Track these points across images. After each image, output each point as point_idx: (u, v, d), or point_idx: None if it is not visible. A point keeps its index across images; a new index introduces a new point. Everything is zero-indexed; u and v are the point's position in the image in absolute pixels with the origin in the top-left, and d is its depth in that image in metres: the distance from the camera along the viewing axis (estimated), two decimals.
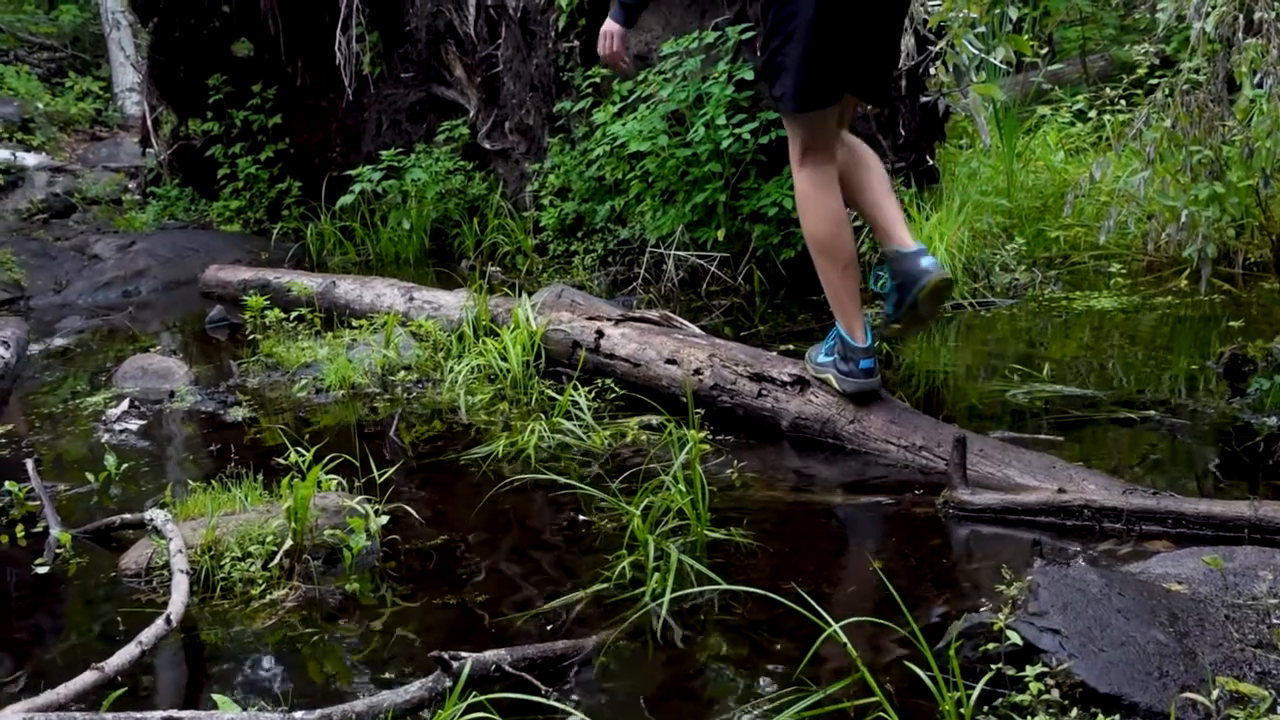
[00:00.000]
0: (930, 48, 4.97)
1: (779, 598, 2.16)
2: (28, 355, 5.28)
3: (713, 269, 5.74)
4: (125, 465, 3.46)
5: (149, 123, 9.62)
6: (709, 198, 5.69)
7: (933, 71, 4.94)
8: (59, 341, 5.89)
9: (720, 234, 5.72)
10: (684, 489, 2.68)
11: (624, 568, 2.51)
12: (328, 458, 2.96)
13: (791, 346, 4.47)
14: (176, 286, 7.57)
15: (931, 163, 5.65)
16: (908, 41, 5.03)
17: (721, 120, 5.49)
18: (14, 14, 15.12)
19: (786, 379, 3.43)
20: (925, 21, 4.89)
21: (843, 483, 3.12)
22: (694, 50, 5.76)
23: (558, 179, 6.89)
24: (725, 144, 5.49)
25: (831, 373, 3.38)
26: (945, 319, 4.88)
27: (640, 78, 6.09)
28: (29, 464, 3.33)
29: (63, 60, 14.27)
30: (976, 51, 4.49)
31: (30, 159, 11.01)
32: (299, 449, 2.85)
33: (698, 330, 3.99)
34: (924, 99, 5.37)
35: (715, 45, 5.76)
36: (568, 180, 6.82)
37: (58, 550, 2.94)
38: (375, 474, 3.00)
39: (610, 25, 3.55)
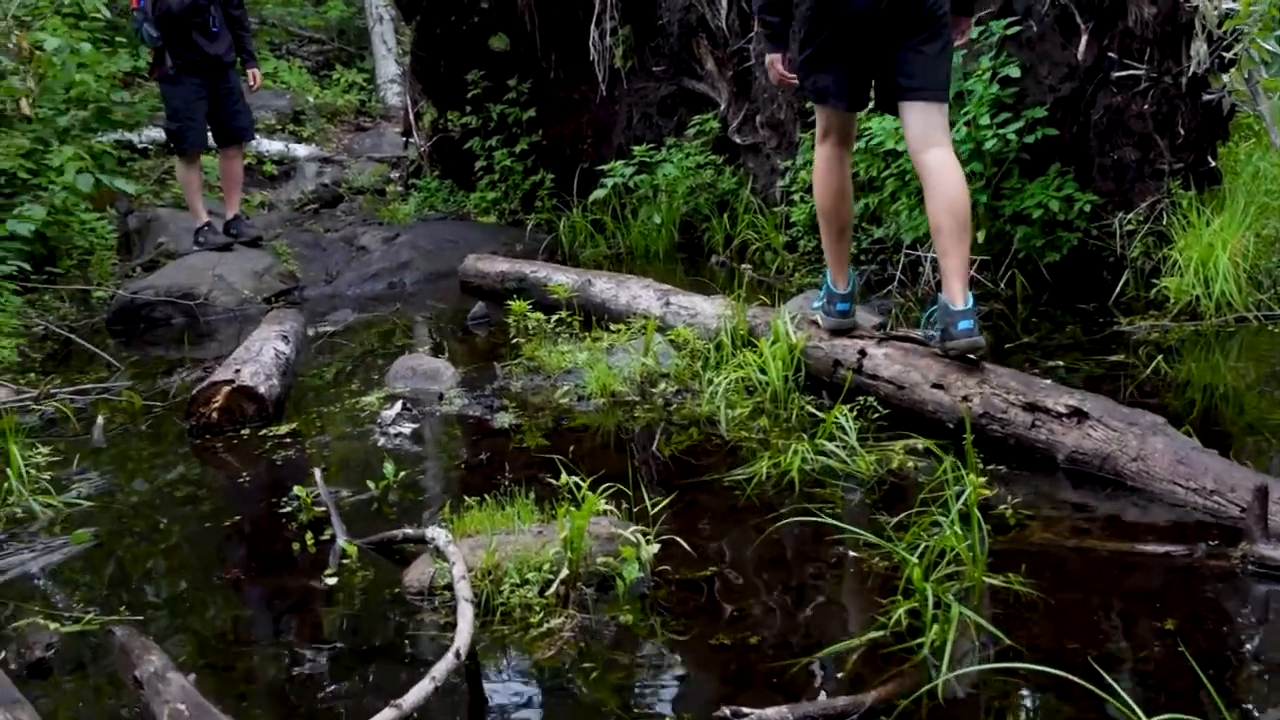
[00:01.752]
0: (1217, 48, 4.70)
1: (1073, 677, 2.06)
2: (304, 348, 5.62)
3: (972, 273, 5.56)
4: (402, 473, 3.61)
5: (410, 116, 10.01)
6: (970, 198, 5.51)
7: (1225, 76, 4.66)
8: (331, 332, 6.19)
9: (980, 235, 5.54)
10: (960, 531, 2.61)
11: (900, 615, 2.46)
12: (596, 479, 3.01)
13: (1061, 363, 4.31)
14: (437, 278, 7.86)
15: (1213, 164, 5.31)
16: (1198, 47, 4.74)
17: (985, 120, 5.31)
18: (284, 7, 15.94)
19: (1062, 410, 3.29)
20: (1220, 21, 4.59)
21: (1126, 527, 2.97)
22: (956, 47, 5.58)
23: (809, 175, 6.80)
24: (988, 144, 5.31)
25: (820, 314, 4.29)
26: (1228, 333, 4.61)
27: None
28: (316, 473, 3.51)
29: (329, 53, 14.98)
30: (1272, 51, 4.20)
31: (301, 150, 11.62)
32: (574, 477, 2.90)
33: None
34: (1207, 96, 5.05)
35: (977, 39, 5.56)
36: None
37: (343, 561, 3.09)
38: (646, 501, 3.03)
39: (769, 56, 4.16)
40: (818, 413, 3.88)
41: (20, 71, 5.90)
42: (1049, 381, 3.52)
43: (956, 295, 3.67)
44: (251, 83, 8.02)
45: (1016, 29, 5.40)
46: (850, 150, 4.18)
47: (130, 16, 7.64)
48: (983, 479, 2.85)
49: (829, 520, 2.92)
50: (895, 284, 5.81)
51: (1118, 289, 5.15)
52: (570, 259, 8.16)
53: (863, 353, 4.00)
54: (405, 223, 9.13)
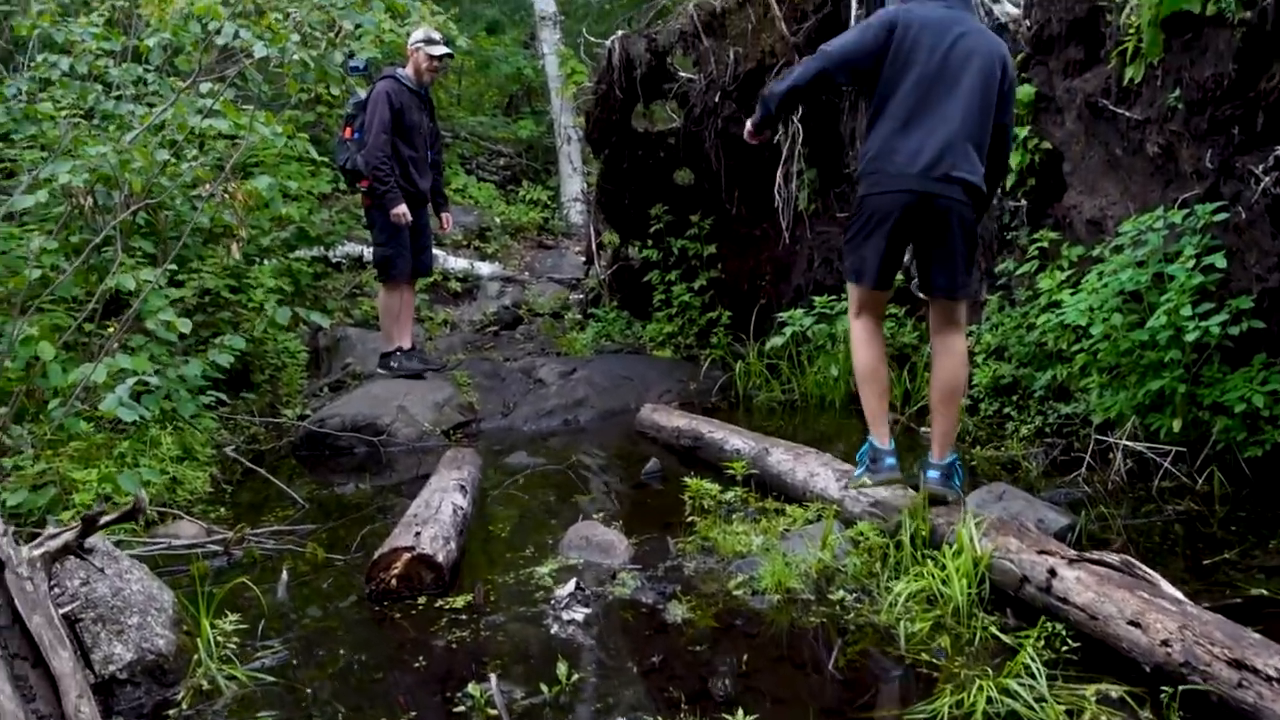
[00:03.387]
0: None
1: None
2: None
3: (1166, 464, 5.33)
4: (575, 676, 3.60)
5: (593, 245, 10.22)
6: (1166, 385, 5.30)
7: None
8: (508, 484, 6.27)
9: (1176, 425, 5.31)
10: None
11: None
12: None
13: (1264, 592, 4.06)
14: (611, 416, 7.94)
15: None
16: None
17: (1186, 310, 5.10)
18: (471, 115, 16.54)
19: (1273, 674, 3.08)
20: None
21: None
22: (1156, 228, 5.41)
23: (994, 338, 6.68)
24: (1189, 335, 5.11)
25: (865, 476, 4.66)
26: None
27: (1094, 251, 5.79)
28: (493, 679, 3.52)
29: (516, 167, 15.44)
30: None
31: (485, 268, 11.96)
32: None
33: (1166, 587, 3.66)
34: None
35: (1181, 222, 5.38)
36: (1005, 340, 6.60)
37: None
38: None
39: (752, 121, 4.90)
40: (1002, 635, 3.74)
41: (234, 222, 6.19)
42: (1259, 636, 3.31)
43: (934, 452, 4.57)
44: (445, 226, 8.44)
45: (1223, 215, 5.20)
46: (882, 322, 4.84)
47: (341, 146, 8.01)
48: None
49: None
50: (1083, 468, 5.58)
51: None
52: (744, 401, 8.16)
53: (1052, 572, 3.84)
54: (582, 354, 9.27)
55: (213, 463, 6.42)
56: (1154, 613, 3.44)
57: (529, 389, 8.33)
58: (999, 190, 5.41)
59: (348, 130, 8.01)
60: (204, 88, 6.42)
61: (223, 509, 5.90)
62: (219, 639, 3.90)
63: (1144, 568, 3.76)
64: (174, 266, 6.39)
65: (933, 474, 4.50)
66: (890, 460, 4.61)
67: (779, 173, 8.52)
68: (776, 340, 7.88)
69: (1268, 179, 5.04)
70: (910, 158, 4.33)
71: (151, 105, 7.07)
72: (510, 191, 14.83)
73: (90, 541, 3.73)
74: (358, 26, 6.37)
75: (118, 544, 4.36)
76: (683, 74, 8.89)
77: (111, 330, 5.75)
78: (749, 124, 4.94)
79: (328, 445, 7.28)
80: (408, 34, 8.23)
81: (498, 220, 13.36)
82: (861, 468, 4.74)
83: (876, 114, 4.50)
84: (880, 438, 4.65)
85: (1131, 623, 3.48)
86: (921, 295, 4.86)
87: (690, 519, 5.15)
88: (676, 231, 9.38)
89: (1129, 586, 3.62)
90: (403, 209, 7.79)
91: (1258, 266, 5.19)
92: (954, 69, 4.36)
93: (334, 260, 10.83)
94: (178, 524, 5.39)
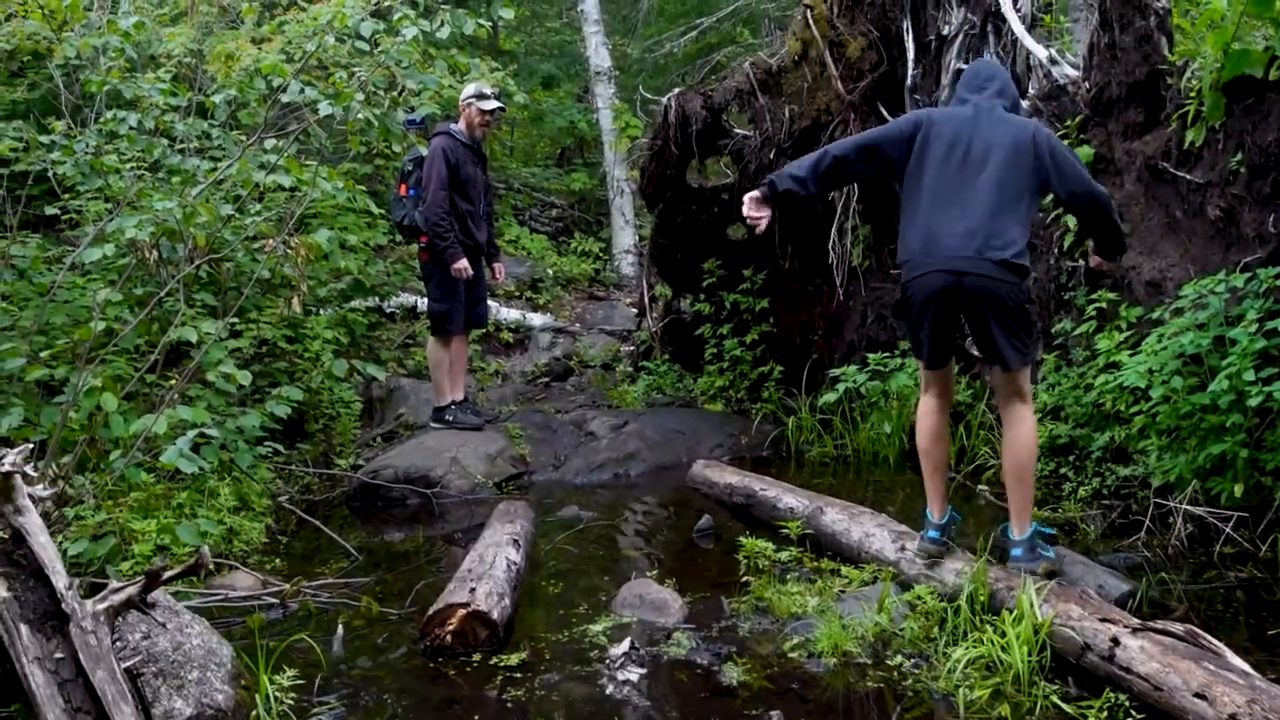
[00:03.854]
0: None
1: None
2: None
3: (1227, 530, 5.26)
4: None
5: (645, 298, 10.26)
6: (1228, 449, 5.23)
7: None
8: (561, 538, 6.27)
9: (1238, 489, 5.24)
10: None
11: None
12: None
13: None
14: (662, 470, 7.93)
15: None
16: None
17: (1249, 375, 5.04)
18: (524, 166, 16.71)
19: None
20: None
21: None
22: (1218, 292, 5.36)
23: (1051, 398, 6.62)
24: (1251, 400, 5.04)
25: (917, 542, 4.86)
26: None
27: (1154, 313, 5.75)
28: None
29: (569, 219, 15.56)
30: None
31: (536, 319, 12.02)
32: None
33: (1232, 658, 3.60)
34: None
35: (1243, 285, 5.34)
36: (1061, 400, 6.55)
37: None
38: None
39: (755, 192, 4.85)
40: (1064, 705, 3.69)
41: (294, 275, 6.29)
42: None
43: (1014, 528, 4.62)
44: (497, 276, 8.52)
45: None
46: (949, 401, 4.96)
47: (397, 203, 8.11)
48: None
49: None
50: (1143, 532, 5.51)
51: None
52: (796, 456, 8.13)
53: (1115, 641, 3.79)
54: (633, 406, 9.27)
55: (268, 513, 6.47)
56: (1221, 685, 3.39)
57: (580, 441, 8.35)
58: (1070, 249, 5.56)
59: (403, 187, 8.10)
60: (268, 144, 6.55)
61: (278, 560, 5.94)
62: (277, 694, 3.92)
63: (1209, 638, 3.70)
64: (234, 319, 6.48)
65: (1016, 552, 4.56)
66: (933, 533, 4.79)
67: (833, 228, 8.53)
68: (830, 396, 7.85)
69: None
70: (941, 243, 4.49)
71: (215, 160, 7.21)
72: (562, 243, 14.95)
73: (152, 596, 3.78)
74: (420, 84, 6.46)
75: (175, 595, 4.40)
76: (738, 131, 8.94)
77: (173, 382, 5.84)
78: (751, 199, 4.86)
79: (380, 496, 7.32)
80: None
81: (550, 271, 13.45)
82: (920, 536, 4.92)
83: (908, 205, 4.68)
84: (931, 509, 4.83)
85: (1198, 695, 3.42)
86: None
87: (745, 578, 5.13)
88: (729, 285, 9.40)
89: (1194, 657, 3.57)
90: (464, 263, 7.86)
91: None
92: (977, 156, 4.54)
93: (388, 310, 10.93)
94: (234, 575, 5.43)
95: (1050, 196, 4.75)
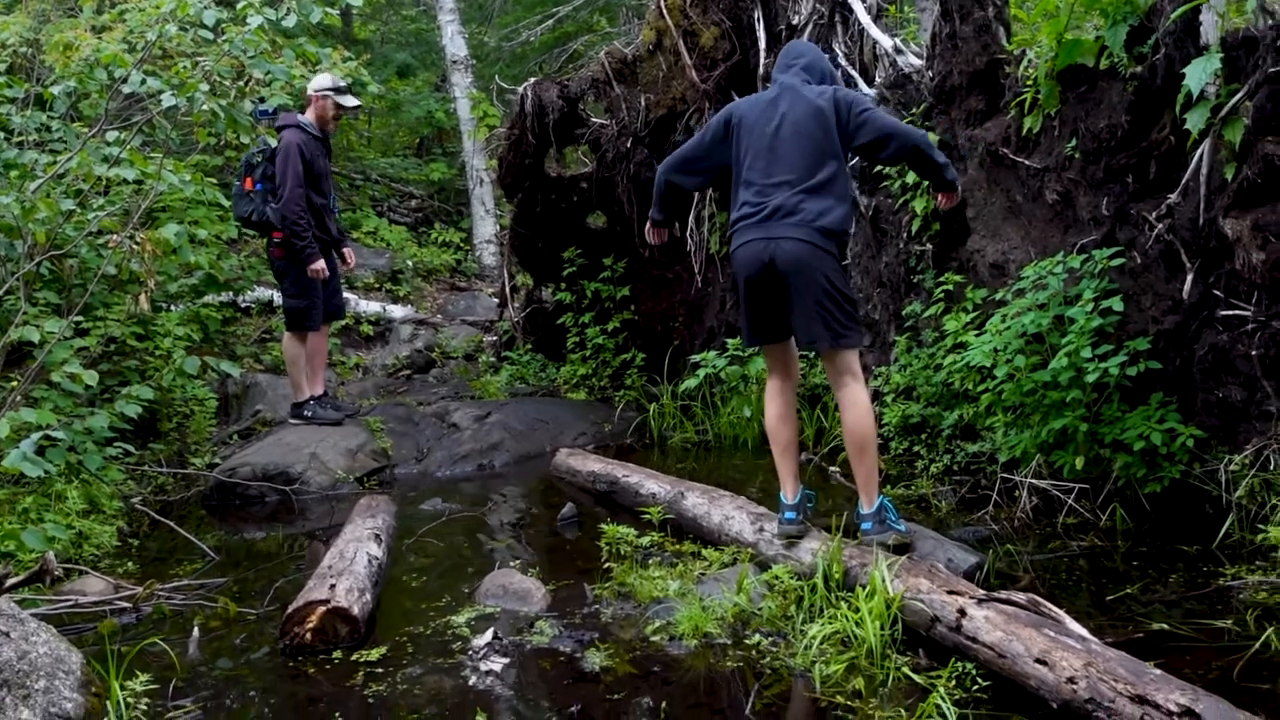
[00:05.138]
0: None
1: None
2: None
3: (1069, 501, 5.48)
4: None
5: (506, 289, 10.23)
6: (1068, 424, 5.45)
7: None
8: (423, 529, 6.23)
9: (1079, 462, 5.46)
10: None
11: None
12: None
13: (1165, 626, 4.18)
14: (527, 459, 7.94)
15: None
16: None
17: (1086, 353, 5.26)
18: (382, 156, 16.48)
19: (1174, 709, 3.17)
20: None
21: None
22: (1056, 273, 5.57)
23: (903, 378, 6.81)
24: (1089, 377, 5.26)
25: (776, 525, 4.95)
26: None
27: (998, 294, 5.95)
28: None
29: (428, 210, 15.40)
30: None
31: (397, 311, 11.89)
32: None
33: (1071, 625, 3.76)
34: None
35: (1079, 266, 5.56)
36: (913, 381, 6.74)
37: None
38: None
39: (649, 225, 5.44)
40: (915, 676, 3.80)
41: (141, 270, 6.10)
42: (1160, 672, 3.40)
43: (862, 501, 4.72)
44: (349, 262, 8.41)
45: (1121, 260, 5.38)
46: (790, 381, 5.03)
47: (243, 198, 7.90)
48: None
49: None
50: (991, 506, 5.70)
51: (1222, 531, 5.01)
52: (659, 442, 8.20)
53: (962, 612, 3.92)
54: (496, 397, 9.25)
55: (120, 515, 6.29)
56: (1060, 650, 3.54)
57: (443, 434, 8.30)
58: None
59: (248, 181, 7.87)
60: (110, 136, 6.34)
61: (130, 563, 5.79)
62: (129, 700, 3.82)
63: (1050, 606, 3.86)
64: (79, 317, 6.28)
65: (867, 525, 4.67)
66: (789, 514, 4.87)
67: (690, 216, 8.62)
68: (690, 382, 7.95)
69: (1161, 225, 5.24)
70: (759, 220, 4.66)
71: (55, 153, 6.96)
72: (422, 233, 14.79)
73: None
74: (267, 74, 6.32)
75: (21, 603, 4.26)
76: (595, 120, 8.97)
77: (15, 384, 5.63)
78: (648, 224, 5.45)
79: (238, 494, 7.17)
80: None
81: (410, 263, 13.31)
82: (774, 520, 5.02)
83: (733, 193, 4.87)
84: (783, 491, 4.92)
85: (1039, 661, 3.56)
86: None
87: (607, 564, 5.17)
88: (590, 274, 9.44)
89: (1036, 625, 3.71)
90: (321, 264, 7.74)
91: (1153, 309, 5.37)
92: (783, 132, 4.71)
93: (243, 305, 10.70)
94: (84, 580, 5.27)
95: (862, 154, 4.92)
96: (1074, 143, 5.62)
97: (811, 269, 4.56)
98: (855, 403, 4.68)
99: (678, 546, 5.44)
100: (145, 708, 3.87)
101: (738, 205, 4.78)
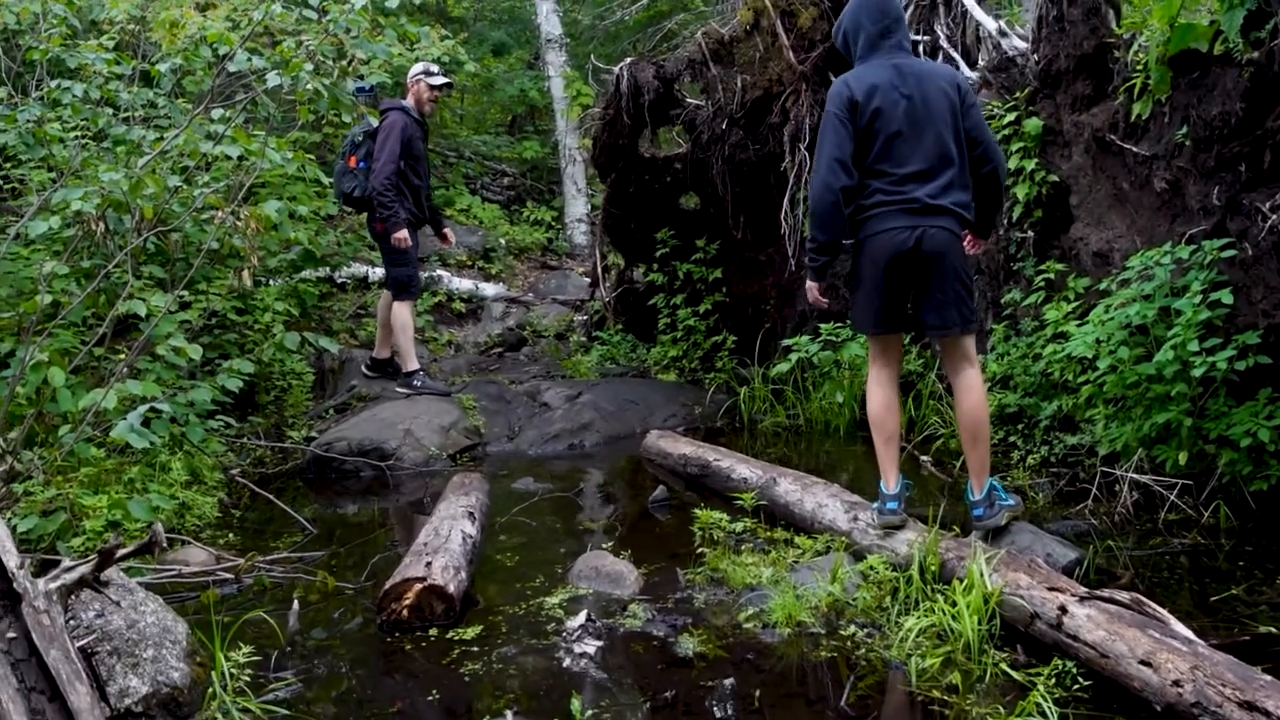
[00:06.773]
0: None
1: None
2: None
3: (1171, 497, 5.36)
4: (589, 713, 3.62)
5: (598, 269, 10.25)
6: (1172, 418, 5.32)
7: None
8: (515, 508, 6.29)
9: (1182, 458, 5.33)
10: None
11: None
12: None
13: (1273, 629, 4.07)
14: (616, 440, 7.96)
15: None
16: None
17: (1193, 345, 5.13)
18: (476, 133, 16.58)
19: None
20: None
21: None
22: (1163, 263, 5.44)
23: (1000, 367, 6.70)
24: (1195, 370, 5.13)
25: (873, 514, 4.93)
26: None
27: (1101, 284, 5.82)
28: (508, 716, 3.53)
29: (521, 188, 15.47)
30: None
31: (489, 289, 11.98)
32: None
33: (1176, 626, 3.68)
34: None
35: (1188, 258, 5.42)
36: (1010, 370, 6.63)
37: None
38: None
39: (809, 283, 5.05)
40: (1013, 673, 3.76)
41: (243, 246, 6.22)
42: (1269, 678, 3.33)
43: (974, 487, 4.82)
44: (449, 240, 8.68)
45: (1233, 251, 5.24)
46: (897, 371, 5.03)
47: (347, 174, 8.12)
48: None
49: None
50: (1090, 500, 5.60)
51: None
52: (749, 426, 8.18)
53: (1063, 609, 3.86)
54: (587, 377, 9.29)
55: (221, 487, 6.44)
56: (1165, 652, 3.47)
57: (534, 412, 8.35)
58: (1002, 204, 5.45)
59: (352, 159, 8.17)
60: (215, 113, 6.45)
61: (231, 534, 5.92)
62: (233, 670, 3.92)
63: (1154, 606, 3.78)
64: (183, 291, 6.41)
65: (978, 512, 4.79)
66: (891, 504, 4.85)
67: (785, 199, 8.55)
68: (782, 366, 7.90)
69: (1275, 216, 5.08)
70: (899, 202, 4.62)
71: (161, 129, 7.10)
72: (514, 212, 14.87)
73: (106, 574, 3.75)
74: (370, 54, 6.39)
75: (128, 571, 4.37)
76: (690, 101, 8.93)
77: (122, 355, 5.77)
78: (812, 289, 5.04)
79: (334, 468, 7.30)
80: (416, 59, 8.36)
81: (502, 241, 13.39)
82: (873, 507, 5.00)
83: (868, 181, 4.69)
84: (886, 482, 4.89)
85: (1143, 662, 3.50)
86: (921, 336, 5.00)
87: (699, 549, 5.17)
88: (682, 255, 9.42)
89: (1140, 625, 3.64)
90: (404, 234, 8.01)
91: (1264, 302, 5.21)
92: (918, 118, 4.62)
93: (339, 281, 10.86)
94: (187, 550, 5.40)
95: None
96: (1185, 130, 5.48)
97: (953, 255, 4.65)
98: (973, 387, 4.76)
99: (770, 533, 5.42)
100: (248, 678, 3.96)
101: (868, 192, 4.68)
